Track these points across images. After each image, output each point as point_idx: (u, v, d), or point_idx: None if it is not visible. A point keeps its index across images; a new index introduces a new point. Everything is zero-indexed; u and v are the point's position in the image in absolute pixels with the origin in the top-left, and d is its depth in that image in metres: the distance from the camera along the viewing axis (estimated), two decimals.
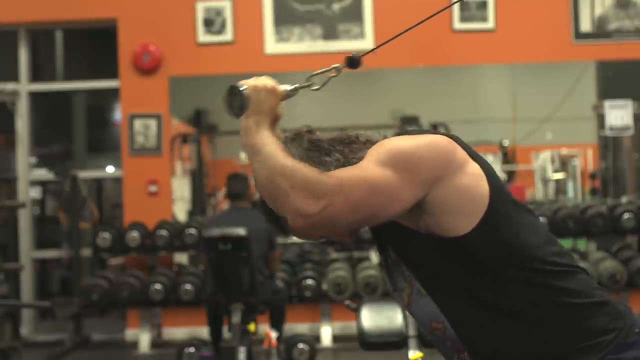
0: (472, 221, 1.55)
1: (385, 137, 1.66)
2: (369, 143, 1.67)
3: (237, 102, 1.63)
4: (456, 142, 1.62)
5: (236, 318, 4.89)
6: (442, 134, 1.64)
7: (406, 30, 1.75)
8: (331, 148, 1.68)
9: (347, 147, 1.69)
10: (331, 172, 1.55)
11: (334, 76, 1.69)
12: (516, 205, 1.64)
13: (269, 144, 1.57)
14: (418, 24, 1.75)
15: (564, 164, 11.23)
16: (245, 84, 1.64)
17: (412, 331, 3.35)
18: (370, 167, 1.54)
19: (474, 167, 1.60)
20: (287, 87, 1.69)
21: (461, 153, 1.60)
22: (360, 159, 1.60)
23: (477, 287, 1.58)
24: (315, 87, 1.71)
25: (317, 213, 1.49)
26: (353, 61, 1.69)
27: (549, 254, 1.60)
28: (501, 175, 9.21)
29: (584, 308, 1.57)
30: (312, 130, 1.73)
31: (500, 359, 1.59)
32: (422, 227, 1.58)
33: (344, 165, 1.62)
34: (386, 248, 1.72)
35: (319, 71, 1.70)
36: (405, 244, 1.63)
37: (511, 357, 1.58)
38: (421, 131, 1.66)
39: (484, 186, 1.58)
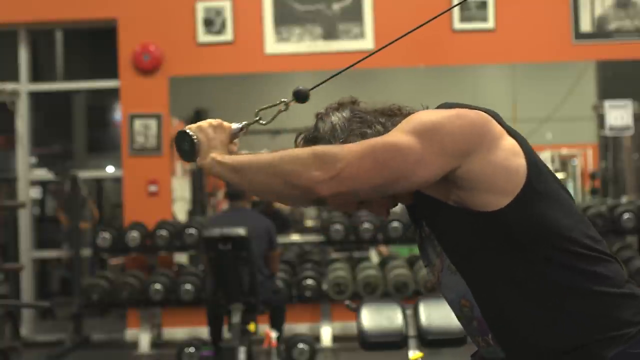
0: (505, 197, 1.54)
1: (426, 108, 1.66)
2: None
3: (187, 146, 1.66)
4: (493, 117, 1.60)
5: (236, 318, 4.88)
6: (479, 109, 1.61)
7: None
8: (373, 120, 1.68)
9: (389, 119, 1.68)
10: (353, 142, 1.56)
11: (282, 110, 1.69)
12: (555, 183, 1.62)
13: (240, 157, 1.60)
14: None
15: (564, 164, 11.23)
16: (190, 129, 1.67)
17: (412, 331, 3.35)
18: (395, 133, 1.54)
19: (509, 143, 1.57)
20: (236, 125, 1.71)
21: (496, 127, 1.58)
22: None
23: (505, 266, 1.56)
24: (264, 122, 1.72)
25: (336, 174, 1.49)
26: (300, 95, 1.69)
27: (583, 236, 1.57)
28: None
29: (612, 297, 1.54)
30: (356, 101, 1.73)
31: (523, 343, 1.58)
32: (453, 200, 1.57)
33: None
34: (420, 222, 1.70)
35: (267, 106, 1.71)
36: (437, 216, 1.62)
37: (533, 343, 1.56)
38: (458, 104, 1.63)
39: (520, 162, 1.56)
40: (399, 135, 1.53)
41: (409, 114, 1.68)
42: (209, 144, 1.64)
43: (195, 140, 1.65)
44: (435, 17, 1.78)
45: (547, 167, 1.63)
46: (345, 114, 1.70)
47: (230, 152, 1.67)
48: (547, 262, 1.54)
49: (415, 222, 1.73)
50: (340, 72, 1.75)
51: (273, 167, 1.54)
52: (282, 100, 1.69)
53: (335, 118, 1.70)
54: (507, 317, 1.58)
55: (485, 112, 1.61)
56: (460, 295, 1.64)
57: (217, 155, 1.62)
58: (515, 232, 1.54)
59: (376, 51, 1.76)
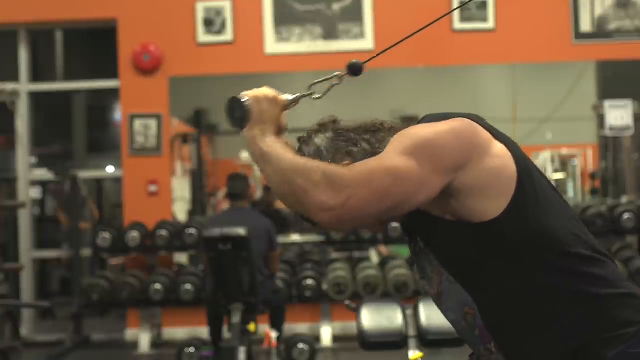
0: (500, 204, 1.54)
1: (407, 125, 1.65)
2: (394, 130, 1.66)
3: (238, 113, 1.63)
4: (478, 123, 1.60)
5: (236, 318, 4.88)
6: (464, 116, 1.61)
7: (411, 35, 1.74)
8: (357, 137, 1.68)
9: (373, 135, 1.68)
10: (353, 164, 1.54)
11: (336, 84, 1.66)
12: (546, 184, 1.61)
13: (277, 148, 1.57)
14: (422, 28, 1.74)
15: (564, 164, 11.22)
16: (245, 95, 1.63)
17: (412, 331, 3.35)
18: (392, 156, 1.52)
19: (499, 148, 1.58)
20: (288, 96, 1.67)
21: (484, 135, 1.58)
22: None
23: (502, 274, 1.56)
24: (317, 96, 1.68)
25: (340, 205, 1.47)
26: (354, 68, 1.66)
27: (578, 239, 1.57)
28: None
29: (610, 298, 1.54)
30: (336, 120, 1.72)
31: (525, 348, 1.57)
32: (450, 214, 1.56)
33: (371, 154, 1.61)
34: (415, 236, 1.70)
35: (321, 79, 1.67)
36: (433, 232, 1.62)
37: (534, 348, 1.56)
38: (443, 115, 1.63)
39: (510, 167, 1.56)
40: (395, 158, 1.51)
41: (392, 128, 1.68)
42: (260, 117, 1.61)
43: (248, 109, 1.61)
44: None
45: (537, 169, 1.63)
46: (328, 134, 1.69)
47: (280, 127, 1.65)
48: (543, 267, 1.54)
49: (409, 236, 1.73)
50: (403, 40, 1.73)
51: (288, 174, 1.52)
52: (336, 73, 1.66)
53: (319, 140, 1.69)
54: (508, 324, 1.58)
55: (469, 118, 1.61)
56: (463, 304, 1.63)
57: (259, 134, 1.59)
58: (511, 240, 1.54)
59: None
